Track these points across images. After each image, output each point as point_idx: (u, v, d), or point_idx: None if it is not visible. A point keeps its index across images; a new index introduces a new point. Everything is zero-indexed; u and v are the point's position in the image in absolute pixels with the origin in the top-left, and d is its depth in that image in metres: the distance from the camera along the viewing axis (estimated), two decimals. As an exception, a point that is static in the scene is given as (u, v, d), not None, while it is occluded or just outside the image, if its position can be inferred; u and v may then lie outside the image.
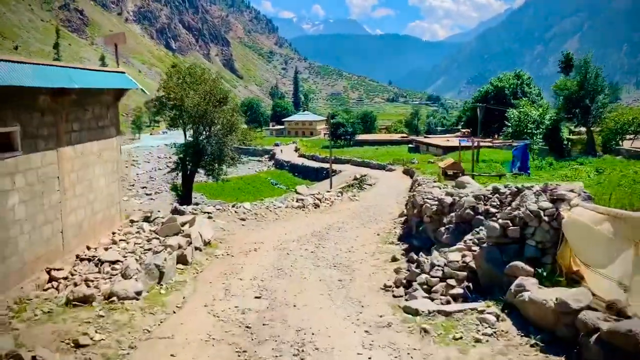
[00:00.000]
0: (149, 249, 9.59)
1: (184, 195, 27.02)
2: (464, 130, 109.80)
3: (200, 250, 11.10)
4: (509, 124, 30.54)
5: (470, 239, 7.75)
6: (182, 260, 9.98)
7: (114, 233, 10.61)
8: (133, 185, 67.63)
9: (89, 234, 10.12)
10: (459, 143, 27.48)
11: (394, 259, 10.62)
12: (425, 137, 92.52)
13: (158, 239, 10.37)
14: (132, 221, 12.13)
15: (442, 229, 8.72)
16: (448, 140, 79.48)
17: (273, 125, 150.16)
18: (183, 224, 10.98)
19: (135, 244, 10.00)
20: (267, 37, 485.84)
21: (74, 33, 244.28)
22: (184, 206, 16.68)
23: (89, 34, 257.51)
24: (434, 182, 20.33)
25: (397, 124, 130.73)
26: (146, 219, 12.34)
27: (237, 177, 72.57)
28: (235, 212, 17.43)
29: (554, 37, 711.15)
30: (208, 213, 15.96)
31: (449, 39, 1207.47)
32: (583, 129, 35.43)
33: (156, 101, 26.25)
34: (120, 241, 10.09)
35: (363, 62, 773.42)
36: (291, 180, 71.06)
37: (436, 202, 10.07)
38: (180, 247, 9.97)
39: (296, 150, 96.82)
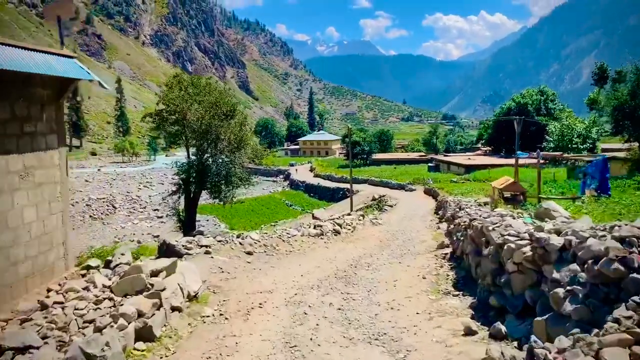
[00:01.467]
0: (92, 321, 6.19)
1: (186, 221, 23.85)
2: (484, 148, 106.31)
3: (181, 310, 7.59)
4: (550, 139, 26.96)
5: (628, 317, 4.42)
6: (144, 335, 6.55)
7: (49, 290, 7.30)
8: (145, 207, 65.34)
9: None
10: (515, 159, 24.04)
11: (469, 331, 6.74)
12: (445, 155, 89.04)
13: (113, 299, 7.07)
14: (87, 268, 8.87)
15: (560, 292, 5.30)
16: (470, 158, 76.15)
17: (288, 145, 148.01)
18: (155, 274, 7.68)
19: (75, 309, 6.49)
20: (282, 59, 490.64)
21: (92, 57, 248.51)
22: (178, 240, 13.37)
23: (106, 57, 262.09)
24: (479, 205, 16.89)
25: (414, 142, 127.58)
26: (107, 265, 9.08)
27: (251, 198, 69.87)
28: (241, 243, 14.12)
29: (569, 54, 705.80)
30: (206, 247, 12.68)
31: (463, 58, 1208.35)
32: (636, 143, 31.37)
33: (156, 115, 23.30)
34: (54, 305, 6.69)
35: (377, 83, 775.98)
36: (307, 201, 68.24)
37: (529, 243, 6.65)
38: (141, 315, 6.63)
39: (311, 170, 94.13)
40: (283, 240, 15.70)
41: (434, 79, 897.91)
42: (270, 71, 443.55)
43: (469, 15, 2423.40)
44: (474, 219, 10.29)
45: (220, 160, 23.00)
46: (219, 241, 13.67)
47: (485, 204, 16.29)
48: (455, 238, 13.16)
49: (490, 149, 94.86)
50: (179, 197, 24.35)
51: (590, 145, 27.60)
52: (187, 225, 23.82)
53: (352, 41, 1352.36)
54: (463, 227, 11.90)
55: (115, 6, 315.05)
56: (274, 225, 51.48)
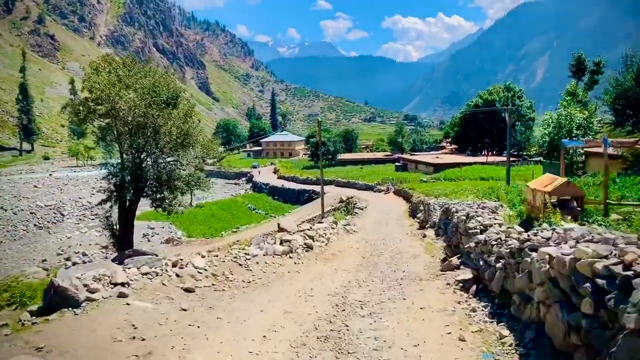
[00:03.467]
0: None
1: (120, 236, 19.16)
2: (450, 147, 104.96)
3: None
4: (545, 130, 23.77)
5: None
6: None
7: None
8: (97, 214, 59.88)
9: None
10: (563, 146, 17.43)
11: None
12: (411, 154, 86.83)
13: None
14: None
15: None
16: (438, 157, 74.02)
17: (250, 147, 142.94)
18: None
19: None
20: (243, 60, 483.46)
21: (45, 58, 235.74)
22: (81, 276, 9.00)
23: (60, 58, 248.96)
24: (492, 211, 13.33)
25: (379, 142, 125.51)
26: None
27: (212, 203, 65.31)
28: (178, 275, 9.92)
29: (524, 56, 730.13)
30: (122, 285, 8.53)
31: (422, 59, 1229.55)
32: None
33: (80, 105, 18.35)
34: None
35: (339, 84, 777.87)
36: (270, 205, 64.34)
37: None
38: None
39: (275, 171, 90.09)
40: (239, 265, 11.71)
41: (395, 80, 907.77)
42: (231, 72, 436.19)
43: (427, 17, 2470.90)
44: (545, 250, 6.26)
45: (161, 161, 18.46)
46: (145, 274, 9.45)
47: (493, 210, 12.74)
48: (480, 263, 9.50)
49: (456, 147, 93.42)
50: (111, 207, 19.68)
51: (592, 138, 24.54)
52: (122, 241, 19.21)
53: (313, 42, 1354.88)
54: (498, 249, 8.26)
55: (69, 6, 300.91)
56: (236, 232, 47.27)
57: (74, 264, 21.45)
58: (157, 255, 13.01)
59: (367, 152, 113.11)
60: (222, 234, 47.08)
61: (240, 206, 63.47)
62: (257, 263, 12.53)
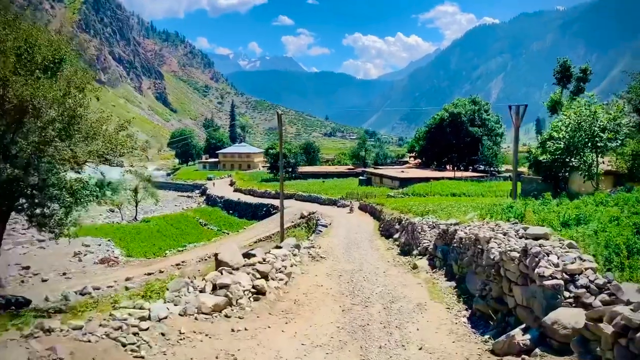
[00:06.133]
0: None
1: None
2: (414, 161, 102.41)
3: None
4: (557, 135, 19.15)
5: None
6: None
7: None
8: None
9: None
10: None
11: None
12: (375, 168, 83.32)
13: None
14: None
15: None
16: (403, 171, 70.87)
17: (207, 158, 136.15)
18: None
19: None
20: (203, 71, 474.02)
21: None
22: None
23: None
24: (522, 235, 8.86)
25: (341, 156, 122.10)
26: None
27: (159, 217, 59.08)
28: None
29: (480, 76, 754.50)
30: None
31: (381, 77, 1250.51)
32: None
33: None
34: None
35: (300, 98, 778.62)
36: (224, 220, 58.97)
37: None
38: None
39: (231, 184, 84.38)
40: (123, 347, 6.43)
41: (355, 97, 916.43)
42: (190, 83, 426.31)
43: (386, 37, 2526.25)
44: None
45: (34, 156, 12.66)
46: None
47: (539, 237, 8.20)
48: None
49: (420, 161, 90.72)
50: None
51: (623, 145, 19.50)
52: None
53: (275, 57, 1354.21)
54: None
55: (20, 9, 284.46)
56: (182, 251, 41.37)
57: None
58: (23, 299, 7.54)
59: (329, 165, 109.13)
60: (166, 253, 41.50)
61: (191, 221, 57.79)
62: (162, 337, 7.32)
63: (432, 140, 77.18)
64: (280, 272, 12.28)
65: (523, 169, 67.47)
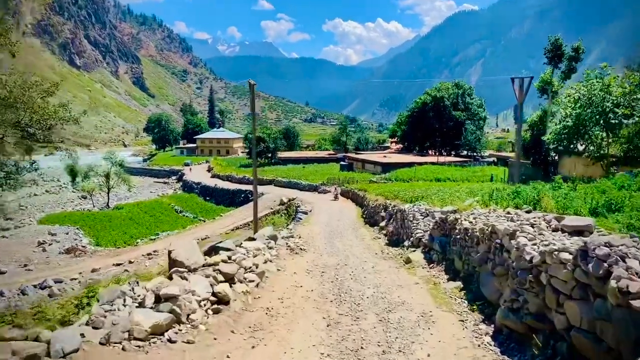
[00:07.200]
0: None
1: None
2: (396, 146, 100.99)
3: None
4: (563, 112, 17.27)
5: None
6: None
7: None
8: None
9: None
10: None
11: None
12: (357, 153, 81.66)
13: None
14: None
15: None
16: (385, 156, 69.38)
17: (185, 144, 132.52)
18: None
19: None
20: (181, 56, 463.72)
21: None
22: None
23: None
24: (551, 228, 7.15)
25: (322, 141, 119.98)
26: None
27: (132, 204, 56.42)
28: None
29: (459, 62, 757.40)
30: None
31: (361, 63, 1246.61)
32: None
33: None
34: None
35: (280, 84, 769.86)
36: (201, 206, 56.74)
37: None
38: None
39: (209, 170, 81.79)
40: None
41: (335, 83, 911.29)
42: (167, 68, 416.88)
43: (366, 22, 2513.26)
44: None
45: None
46: None
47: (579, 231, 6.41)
48: None
49: (402, 146, 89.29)
50: None
51: (637, 121, 17.36)
52: None
53: (254, 42, 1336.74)
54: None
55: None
56: (154, 240, 39.14)
57: None
58: None
59: (310, 150, 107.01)
60: (137, 242, 39.32)
61: (166, 208, 55.42)
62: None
63: (414, 124, 75.69)
64: (250, 272, 10.16)
65: (506, 153, 66.35)
